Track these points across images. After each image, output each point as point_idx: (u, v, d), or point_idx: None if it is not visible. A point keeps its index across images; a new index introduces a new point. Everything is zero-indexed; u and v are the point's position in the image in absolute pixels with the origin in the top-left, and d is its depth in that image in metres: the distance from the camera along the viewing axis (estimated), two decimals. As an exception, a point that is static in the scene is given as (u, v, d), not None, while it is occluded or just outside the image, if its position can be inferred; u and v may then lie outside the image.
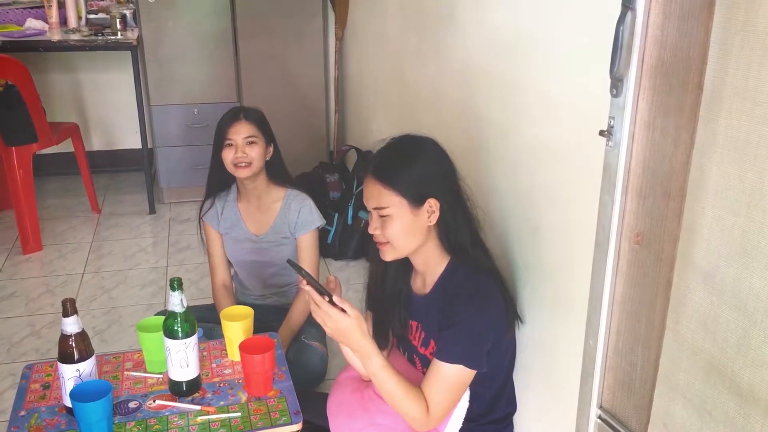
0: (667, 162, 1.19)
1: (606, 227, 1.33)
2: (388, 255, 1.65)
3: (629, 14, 1.19)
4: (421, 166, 1.62)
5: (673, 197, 1.19)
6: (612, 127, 1.28)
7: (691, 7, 1.10)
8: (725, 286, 1.05)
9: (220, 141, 2.22)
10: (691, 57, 1.11)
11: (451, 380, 1.57)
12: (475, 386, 1.64)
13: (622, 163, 1.27)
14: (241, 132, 2.19)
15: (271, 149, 2.27)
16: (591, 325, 1.42)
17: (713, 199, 1.06)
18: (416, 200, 1.59)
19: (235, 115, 2.23)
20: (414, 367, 1.76)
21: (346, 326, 1.51)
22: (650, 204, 1.25)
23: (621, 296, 1.35)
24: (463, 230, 1.65)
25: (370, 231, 1.64)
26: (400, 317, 1.78)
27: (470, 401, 1.66)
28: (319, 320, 1.54)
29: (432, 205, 1.60)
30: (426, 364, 1.69)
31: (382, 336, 1.81)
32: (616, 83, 1.24)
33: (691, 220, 1.11)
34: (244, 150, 2.19)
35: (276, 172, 2.30)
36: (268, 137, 2.26)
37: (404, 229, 1.59)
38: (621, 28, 1.20)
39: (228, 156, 2.20)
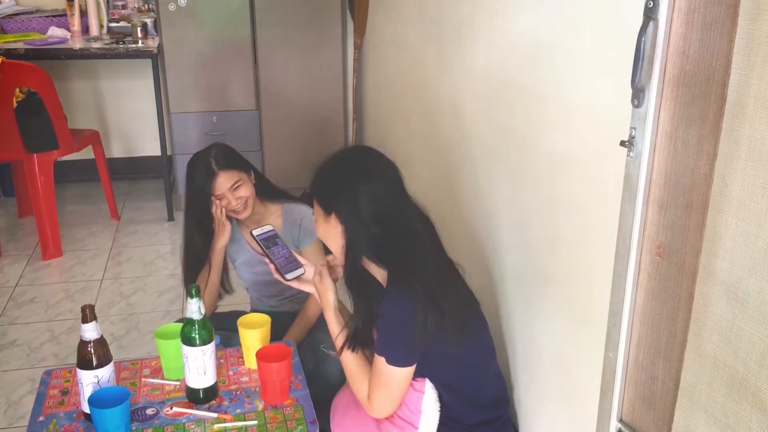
0: (689, 173, 1.18)
1: (627, 238, 1.32)
2: None
3: (651, 24, 1.18)
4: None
5: (695, 209, 1.17)
6: (633, 137, 1.26)
7: (714, 17, 1.09)
8: (748, 299, 1.03)
9: (204, 201, 2.09)
10: (713, 67, 1.10)
11: (377, 369, 1.60)
12: (441, 389, 1.68)
13: (644, 174, 1.26)
14: (223, 185, 2.07)
15: (252, 175, 2.17)
16: (611, 337, 1.41)
17: (736, 211, 1.04)
18: None
19: (207, 170, 2.07)
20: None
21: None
22: (672, 215, 1.23)
23: (641, 308, 1.34)
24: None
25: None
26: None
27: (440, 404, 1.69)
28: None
29: None
30: None
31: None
32: (638, 93, 1.23)
33: (713, 232, 1.10)
34: (235, 197, 2.09)
35: (264, 190, 2.22)
36: (246, 167, 2.16)
37: None
38: (643, 38, 1.19)
39: (219, 208, 2.10)
